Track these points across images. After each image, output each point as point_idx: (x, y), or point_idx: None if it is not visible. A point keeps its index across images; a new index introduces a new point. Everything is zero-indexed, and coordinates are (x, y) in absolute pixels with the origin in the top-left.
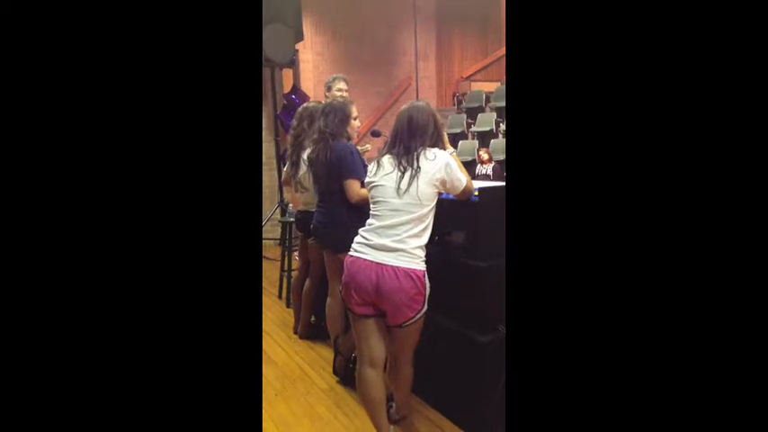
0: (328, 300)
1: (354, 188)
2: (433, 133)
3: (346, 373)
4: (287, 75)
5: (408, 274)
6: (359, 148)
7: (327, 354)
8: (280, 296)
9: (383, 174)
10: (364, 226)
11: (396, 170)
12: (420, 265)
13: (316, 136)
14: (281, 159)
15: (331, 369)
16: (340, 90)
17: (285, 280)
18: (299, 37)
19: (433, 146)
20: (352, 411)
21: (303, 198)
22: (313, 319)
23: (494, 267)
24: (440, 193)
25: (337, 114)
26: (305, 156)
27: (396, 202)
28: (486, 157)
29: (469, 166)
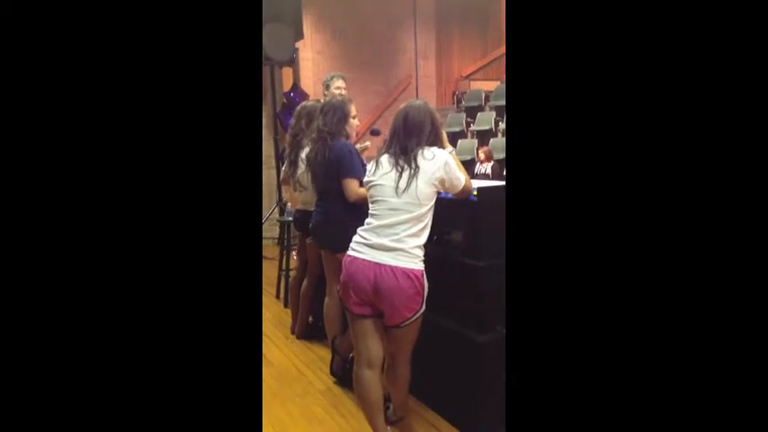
0: (326, 300)
1: (353, 187)
2: (430, 132)
3: (343, 374)
4: (287, 73)
5: (407, 273)
6: (358, 145)
7: (325, 354)
8: (278, 296)
9: (382, 173)
10: (363, 225)
11: (394, 169)
12: (419, 265)
13: (314, 135)
14: (279, 158)
15: (328, 369)
16: (338, 88)
17: (283, 279)
18: (299, 35)
19: (431, 145)
20: (349, 412)
21: (301, 197)
22: (311, 319)
23: (493, 267)
24: (438, 193)
25: (336, 113)
26: (303, 155)
27: (394, 201)
28: (485, 156)
29: (468, 164)
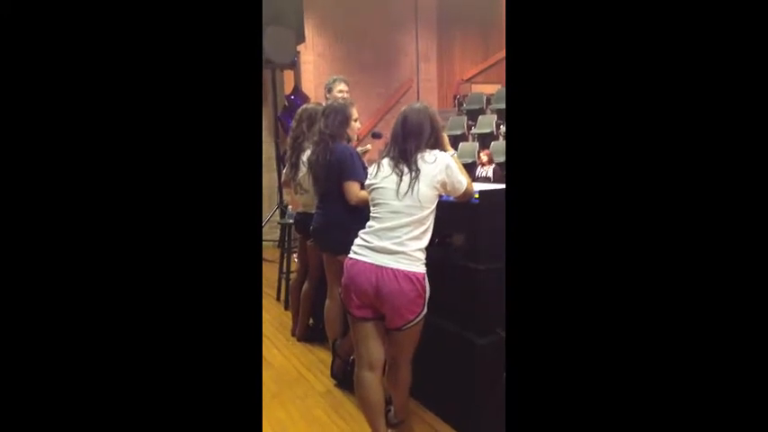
0: (327, 302)
1: (354, 190)
2: (430, 135)
3: (344, 377)
4: (288, 76)
5: (408, 276)
6: (359, 148)
7: (325, 356)
8: (278, 298)
9: (383, 176)
10: (364, 228)
11: (395, 173)
12: (420, 268)
13: (316, 138)
14: (280, 161)
15: (329, 372)
16: (341, 92)
17: (284, 282)
18: (300, 38)
19: (431, 148)
20: (350, 415)
21: (302, 200)
22: (311, 321)
23: (493, 270)
24: (440, 196)
25: (337, 116)
26: (304, 157)
27: (396, 204)
28: (486, 159)
29: (470, 168)
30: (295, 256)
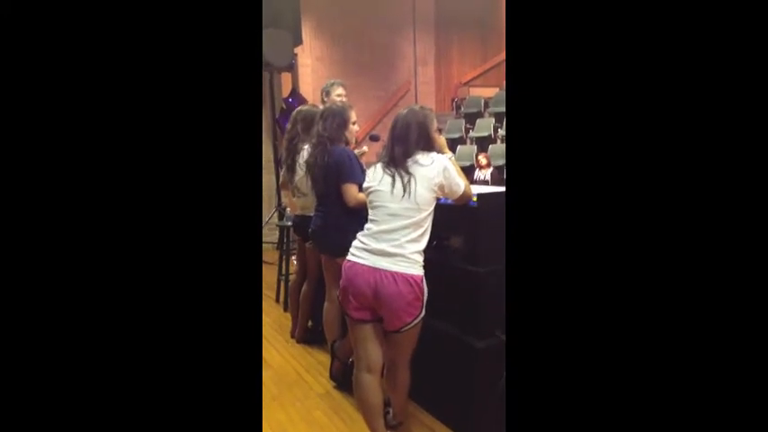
0: (326, 304)
1: (352, 192)
2: (419, 138)
3: (343, 378)
4: (286, 79)
5: (406, 279)
6: (356, 151)
7: (324, 358)
8: (277, 300)
9: (380, 179)
10: (362, 230)
11: (388, 176)
12: (418, 271)
13: (314, 140)
14: (279, 163)
15: (328, 374)
16: (339, 95)
17: (283, 284)
18: (297, 41)
19: (426, 150)
20: (349, 417)
21: (300, 202)
22: (310, 323)
23: (492, 273)
24: (438, 198)
25: (336, 119)
26: (301, 160)
27: (394, 206)
28: (484, 162)
29: (468, 171)
30: (294, 258)
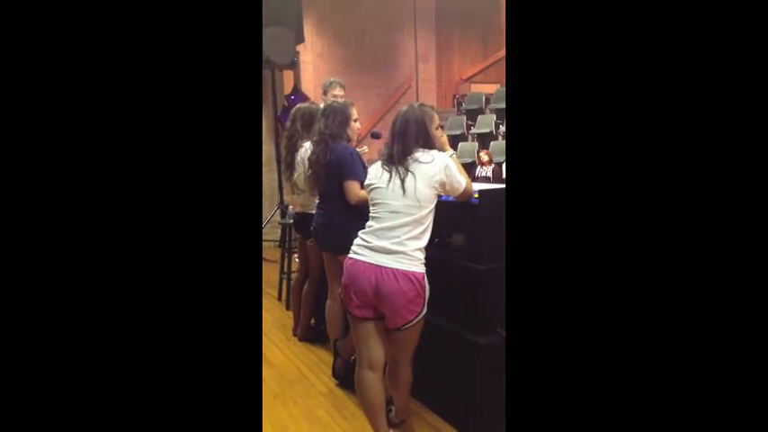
0: (328, 302)
1: (354, 189)
2: (417, 136)
3: (345, 376)
4: (288, 76)
5: (408, 276)
6: (357, 149)
7: (327, 356)
8: (279, 298)
9: (381, 176)
10: (364, 228)
11: (389, 173)
12: (420, 268)
13: (316, 138)
14: (280, 161)
15: (330, 372)
16: (335, 96)
17: (285, 282)
18: (299, 39)
19: (426, 148)
20: (351, 415)
21: (299, 200)
22: (312, 321)
23: (493, 270)
24: (439, 196)
25: (337, 116)
26: (299, 157)
27: (395, 203)
28: (485, 158)
29: (469, 167)
30: (296, 256)
